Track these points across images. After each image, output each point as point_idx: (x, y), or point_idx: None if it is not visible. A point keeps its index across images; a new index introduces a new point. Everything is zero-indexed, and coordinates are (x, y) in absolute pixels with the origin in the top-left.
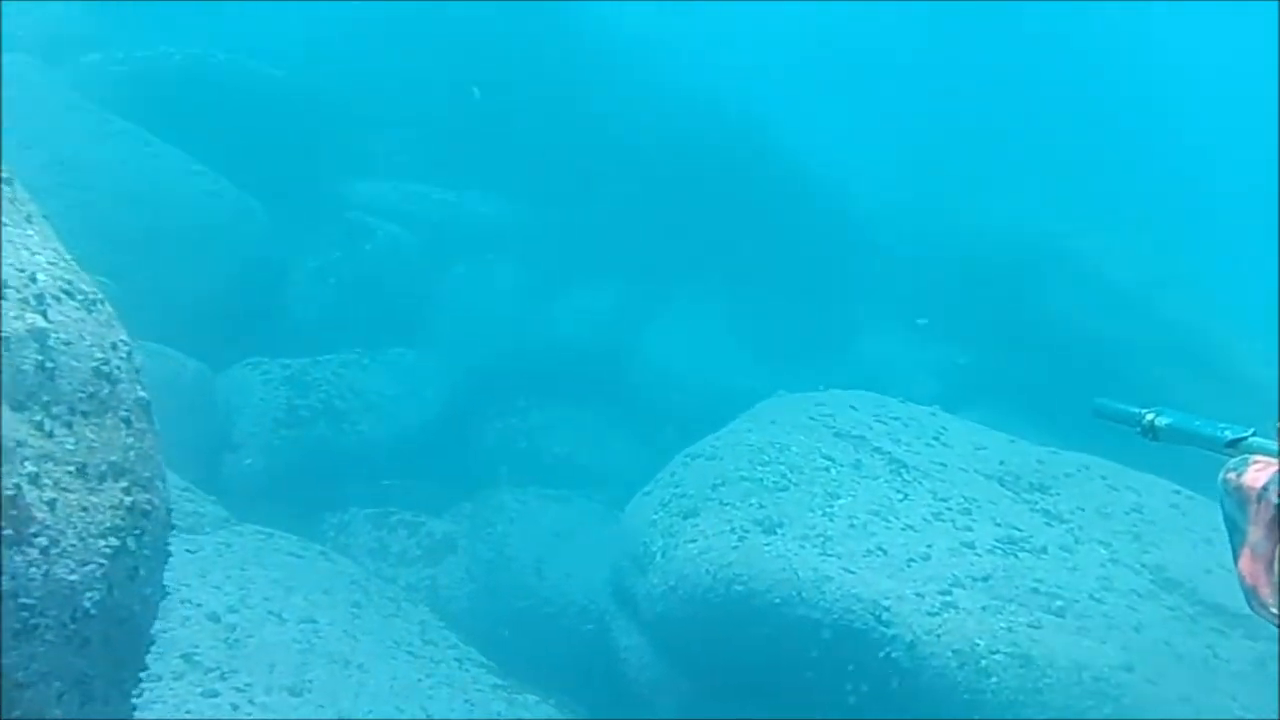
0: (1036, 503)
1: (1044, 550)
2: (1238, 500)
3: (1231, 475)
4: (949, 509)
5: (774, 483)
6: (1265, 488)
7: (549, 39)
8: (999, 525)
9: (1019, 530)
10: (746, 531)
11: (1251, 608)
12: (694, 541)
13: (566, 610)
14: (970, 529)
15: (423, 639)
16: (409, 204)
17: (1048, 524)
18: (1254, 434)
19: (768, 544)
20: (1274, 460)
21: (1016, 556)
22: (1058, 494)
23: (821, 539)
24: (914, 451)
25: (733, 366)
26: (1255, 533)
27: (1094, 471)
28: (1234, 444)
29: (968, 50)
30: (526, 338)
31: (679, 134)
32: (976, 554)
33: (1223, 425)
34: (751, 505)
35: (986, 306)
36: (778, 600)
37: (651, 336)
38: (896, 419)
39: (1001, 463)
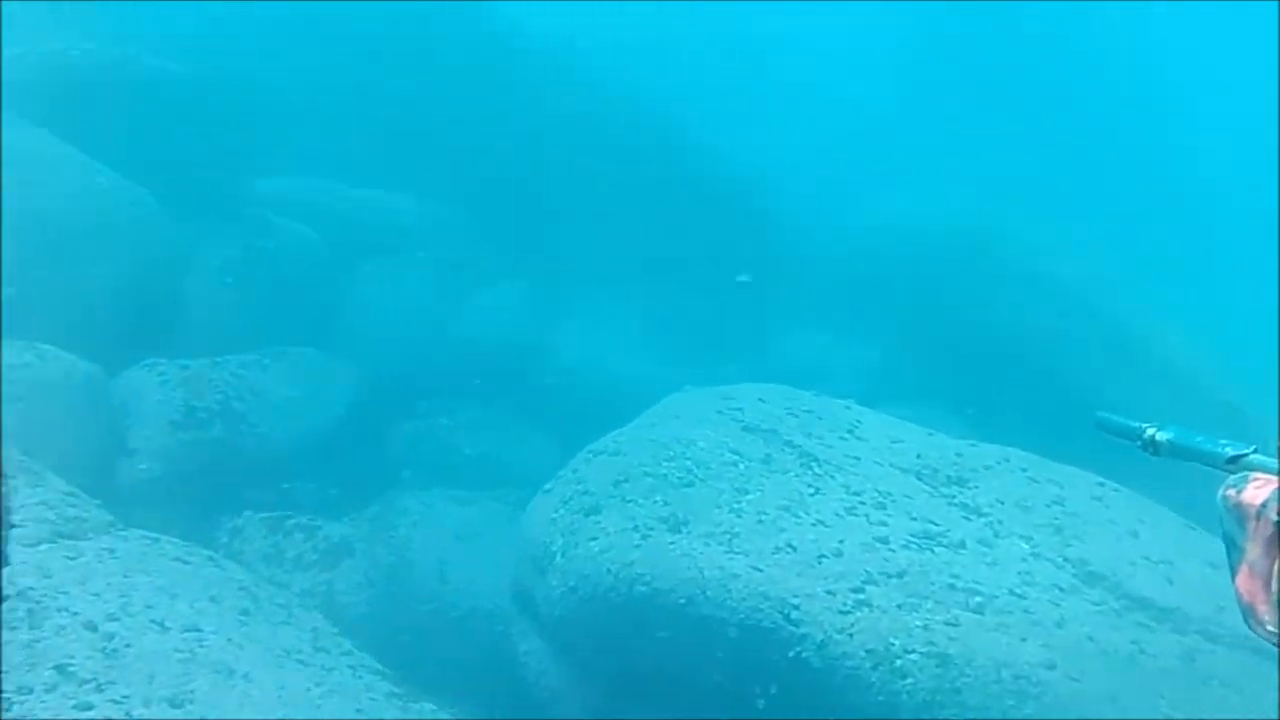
0: (954, 496)
1: (962, 545)
2: (1236, 517)
3: (1231, 492)
4: (862, 503)
5: (679, 479)
6: (1264, 505)
7: (459, 35)
8: (915, 520)
9: (935, 525)
10: (650, 529)
11: (1248, 625)
12: (595, 540)
13: (471, 615)
14: (885, 524)
15: (314, 646)
16: (316, 200)
17: (966, 518)
18: (1255, 451)
19: (672, 542)
20: (1273, 478)
21: (933, 551)
22: (976, 487)
23: (728, 536)
24: (827, 445)
25: (648, 363)
26: (1253, 550)
27: (1014, 464)
28: (1234, 460)
29: (896, 39)
30: (436, 337)
31: (593, 130)
32: (891, 549)
33: (1223, 442)
34: (656, 502)
35: (908, 301)
36: (682, 600)
37: (565, 334)
38: (809, 412)
39: (918, 456)
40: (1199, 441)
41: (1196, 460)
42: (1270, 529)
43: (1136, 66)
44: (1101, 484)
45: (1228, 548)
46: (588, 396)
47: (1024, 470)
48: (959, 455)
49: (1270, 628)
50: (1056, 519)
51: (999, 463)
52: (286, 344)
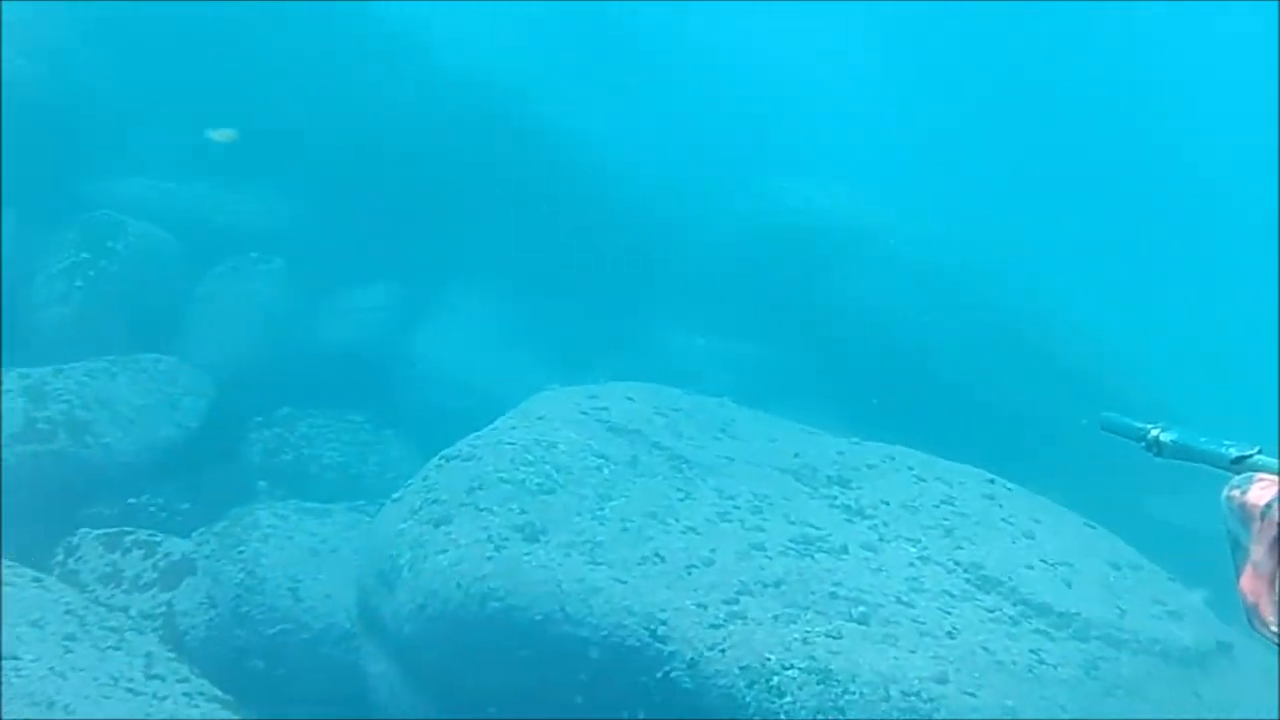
0: (836, 498)
1: (844, 550)
2: (1241, 518)
3: (1235, 493)
4: (736, 508)
5: (538, 485)
6: (1269, 506)
7: (314, 28)
8: (793, 524)
9: (815, 529)
10: (505, 540)
11: (1252, 626)
12: (445, 553)
13: (325, 635)
14: (761, 529)
15: (147, 673)
16: (167, 202)
17: (848, 521)
18: (1259, 452)
19: (529, 553)
20: (1277, 478)
21: (813, 558)
22: (860, 488)
23: (590, 546)
24: (698, 446)
25: (515, 364)
26: (1258, 551)
27: (900, 462)
28: (1238, 461)
29: (787, 26)
30: (294, 341)
31: (454, 124)
32: (767, 556)
33: (1227, 442)
34: (512, 510)
35: (787, 296)
36: (539, 617)
37: (427, 336)
38: (679, 411)
39: (796, 455)
40: (1203, 442)
41: (1200, 461)
42: (1274, 530)
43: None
44: (993, 482)
45: (1232, 549)
46: (451, 400)
47: (910, 469)
48: (840, 454)
49: (1274, 628)
50: (946, 520)
51: (883, 461)
52: (136, 350)
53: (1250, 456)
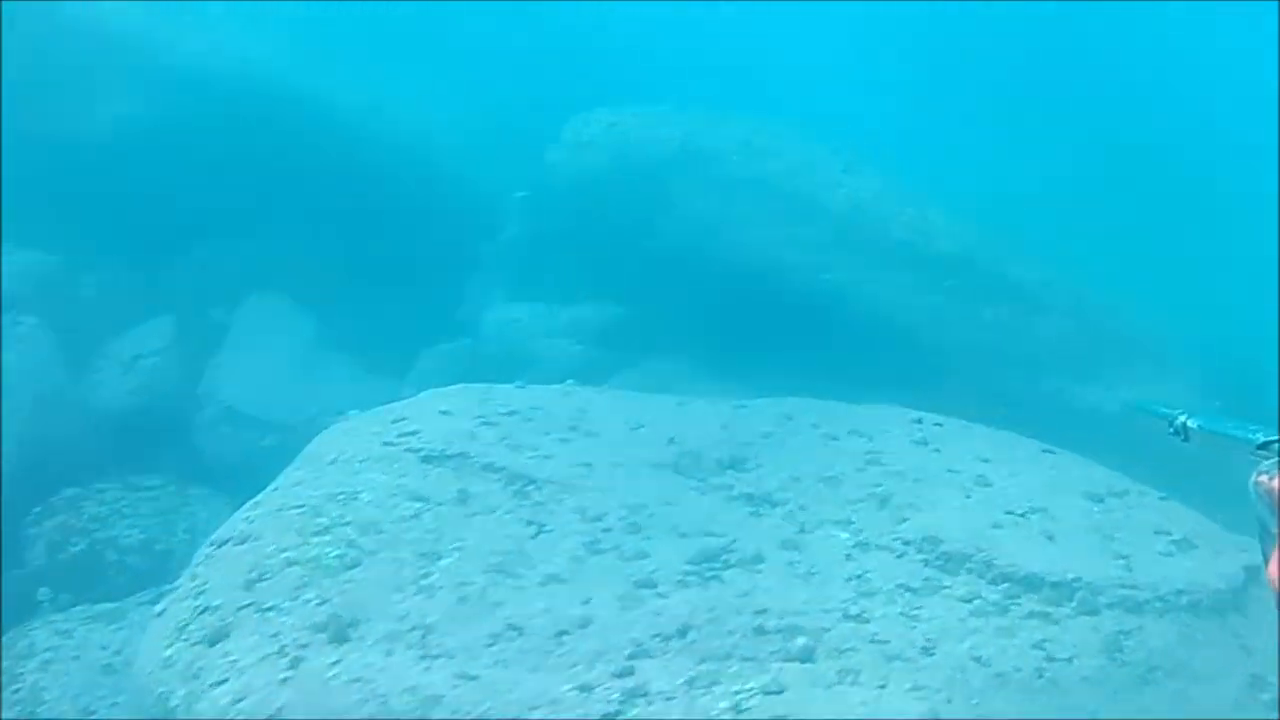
0: (732, 487)
1: (759, 559)
2: (1269, 504)
3: (1264, 479)
4: (607, 530)
5: (338, 558)
6: None
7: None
8: (684, 537)
9: (716, 537)
10: (303, 647)
11: None
12: (224, 682)
13: None
14: (645, 555)
15: None
16: None
17: (755, 515)
18: None
19: (336, 661)
20: None
21: (721, 580)
22: (759, 466)
23: (420, 633)
24: (544, 456)
25: (326, 383)
26: None
27: (800, 421)
28: (1265, 446)
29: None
30: (66, 409)
31: (211, 135)
32: (660, 595)
33: (1253, 428)
34: (308, 603)
35: (619, 241)
36: None
37: (220, 371)
38: (512, 414)
39: (672, 441)
40: (1229, 427)
41: (1227, 445)
42: None
43: None
44: (919, 421)
45: (1261, 534)
46: (260, 437)
47: (815, 426)
48: (725, 426)
49: None
50: (878, 484)
51: (780, 424)
52: None
53: (1275, 442)
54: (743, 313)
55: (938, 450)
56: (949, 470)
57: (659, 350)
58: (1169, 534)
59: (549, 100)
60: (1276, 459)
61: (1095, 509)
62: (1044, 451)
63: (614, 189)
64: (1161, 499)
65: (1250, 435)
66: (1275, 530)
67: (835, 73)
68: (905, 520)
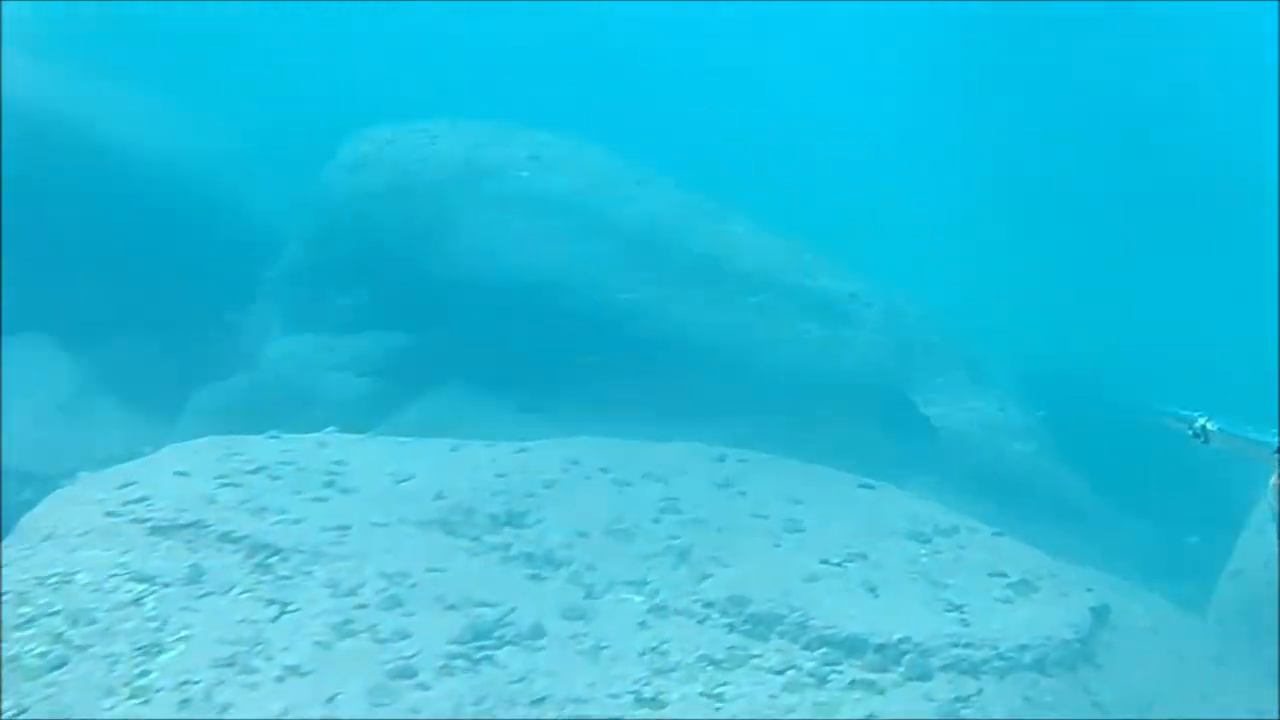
0: (510, 546)
1: (538, 633)
2: None
3: None
4: (362, 608)
5: (41, 657)
6: None
7: None
8: (452, 609)
9: (489, 607)
10: None
11: None
12: None
13: None
14: (404, 635)
15: None
16: None
17: (535, 578)
18: None
19: None
20: None
21: (493, 663)
22: (541, 520)
23: None
24: (293, 520)
25: (100, 430)
26: None
27: (589, 464)
28: None
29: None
30: None
31: None
32: (421, 687)
33: (1273, 431)
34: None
35: (398, 264)
36: None
37: None
38: (260, 471)
39: (441, 495)
40: (1248, 431)
41: (1245, 449)
42: None
43: None
44: (721, 459)
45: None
46: (14, 495)
47: (605, 470)
48: (503, 475)
49: None
50: (674, 537)
51: (566, 469)
52: None
53: None
54: (533, 337)
55: (743, 493)
56: (756, 515)
57: (446, 379)
58: (1005, 575)
59: (326, 118)
60: None
61: (921, 551)
62: (861, 486)
63: (393, 210)
64: (995, 535)
65: (1270, 439)
66: None
67: (633, 83)
68: (707, 577)
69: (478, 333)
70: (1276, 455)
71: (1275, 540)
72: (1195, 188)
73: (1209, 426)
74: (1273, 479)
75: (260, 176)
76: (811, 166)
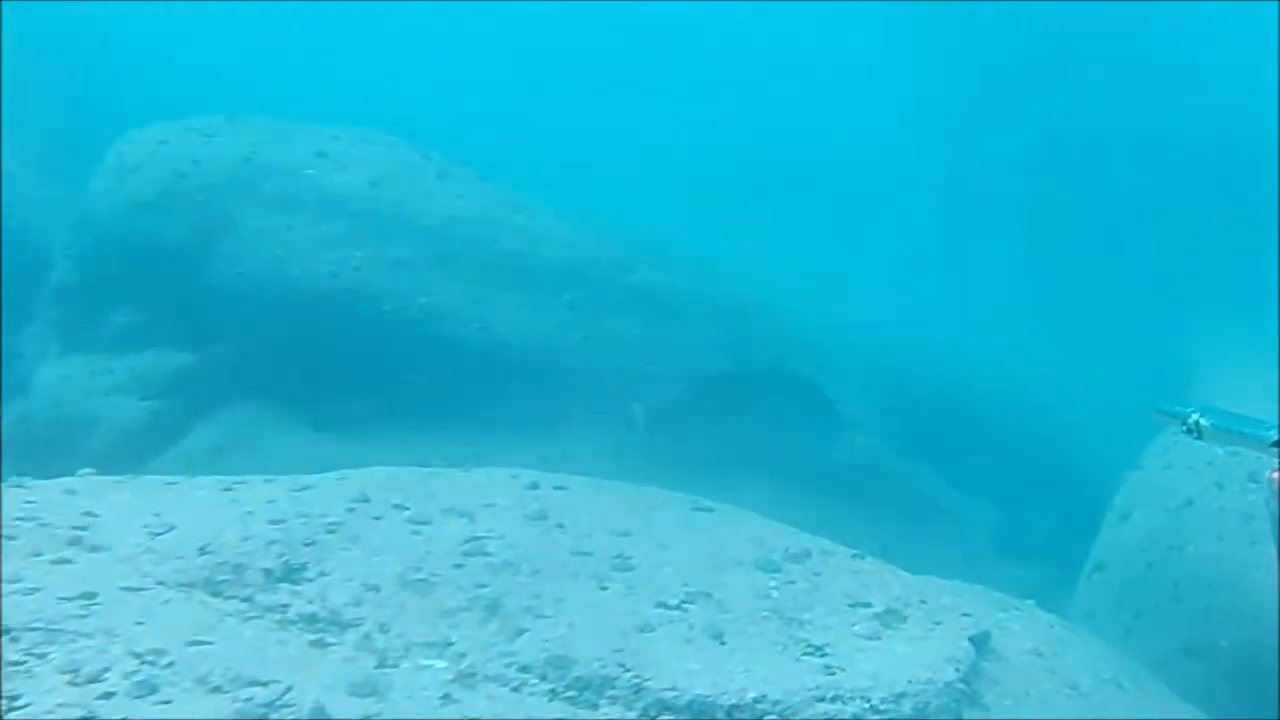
0: (287, 607)
1: (320, 715)
2: None
3: (1277, 475)
4: (106, 698)
5: None
6: None
7: None
8: (217, 692)
9: (261, 687)
10: None
11: None
12: None
13: None
14: None
15: None
16: None
17: (317, 645)
18: None
19: None
20: None
21: None
22: (324, 573)
23: None
24: (26, 590)
25: None
26: None
27: (381, 500)
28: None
29: None
30: None
31: None
32: None
33: (1267, 425)
34: None
35: (185, 280)
36: None
37: None
38: None
39: (206, 549)
40: (1243, 426)
41: (1241, 444)
42: None
43: None
44: (535, 486)
45: (1274, 529)
46: None
47: (400, 507)
48: (280, 520)
49: None
50: (482, 585)
51: (354, 508)
52: None
53: None
54: (325, 348)
55: (560, 526)
56: (577, 553)
57: (234, 398)
58: (869, 605)
59: (93, 121)
60: None
61: (771, 583)
62: (697, 510)
63: (168, 216)
64: (854, 557)
65: (1264, 433)
66: None
67: (426, 71)
68: (523, 633)
69: (266, 347)
70: (1272, 449)
71: (1273, 535)
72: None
73: (1202, 422)
74: (1269, 473)
75: (30, 188)
76: (623, 154)
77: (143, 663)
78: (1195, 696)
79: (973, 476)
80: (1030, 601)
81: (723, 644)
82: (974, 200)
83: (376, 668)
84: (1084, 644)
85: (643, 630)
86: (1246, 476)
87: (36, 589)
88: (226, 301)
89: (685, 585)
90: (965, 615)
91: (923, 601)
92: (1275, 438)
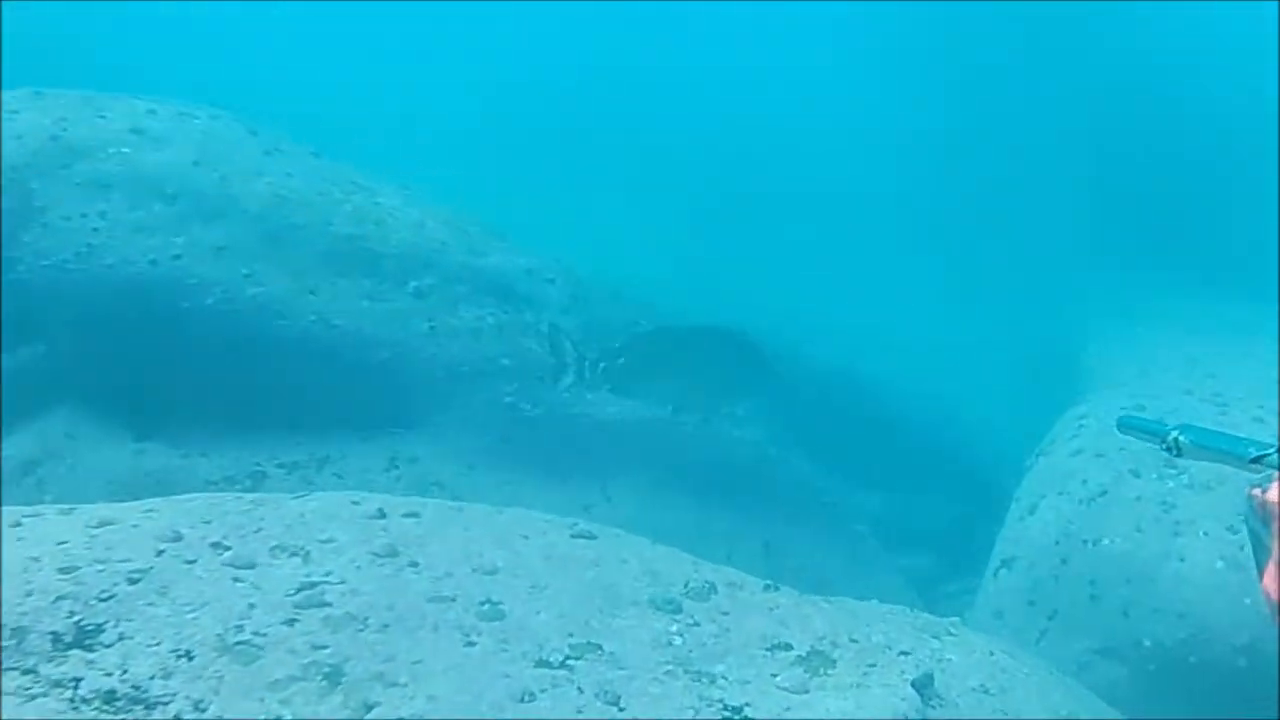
0: (78, 682)
1: None
2: (1262, 517)
3: (1256, 492)
4: None
5: None
6: None
7: None
8: None
9: None
10: None
11: (1278, 625)
12: None
13: None
14: None
15: None
16: None
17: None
18: (1278, 450)
19: None
20: None
21: None
22: (125, 636)
23: None
24: None
25: None
26: None
27: (196, 539)
28: (1258, 460)
29: None
30: None
31: None
32: None
33: (1246, 441)
34: None
35: None
36: None
37: None
38: None
39: None
40: (1221, 442)
41: (1219, 460)
42: None
43: None
44: (381, 515)
45: (1255, 548)
46: None
47: (219, 546)
48: (70, 569)
49: None
50: (320, 646)
51: (162, 549)
52: None
53: (1269, 455)
54: (147, 347)
55: (414, 564)
56: (436, 598)
57: (48, 406)
58: (789, 648)
59: None
60: (1270, 472)
61: (673, 628)
62: (576, 537)
63: None
64: (766, 589)
65: (1243, 450)
66: (1270, 544)
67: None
68: (373, 708)
69: (82, 347)
70: (1252, 465)
71: (1254, 552)
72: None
73: (1180, 439)
74: (1248, 490)
75: None
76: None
77: None
78: (1116, 700)
79: (855, 463)
80: (954, 619)
81: (621, 711)
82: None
83: None
84: (1029, 672)
85: (522, 699)
86: (1163, 462)
87: None
88: (35, 298)
89: (569, 636)
90: (903, 654)
91: (852, 640)
92: (1254, 454)
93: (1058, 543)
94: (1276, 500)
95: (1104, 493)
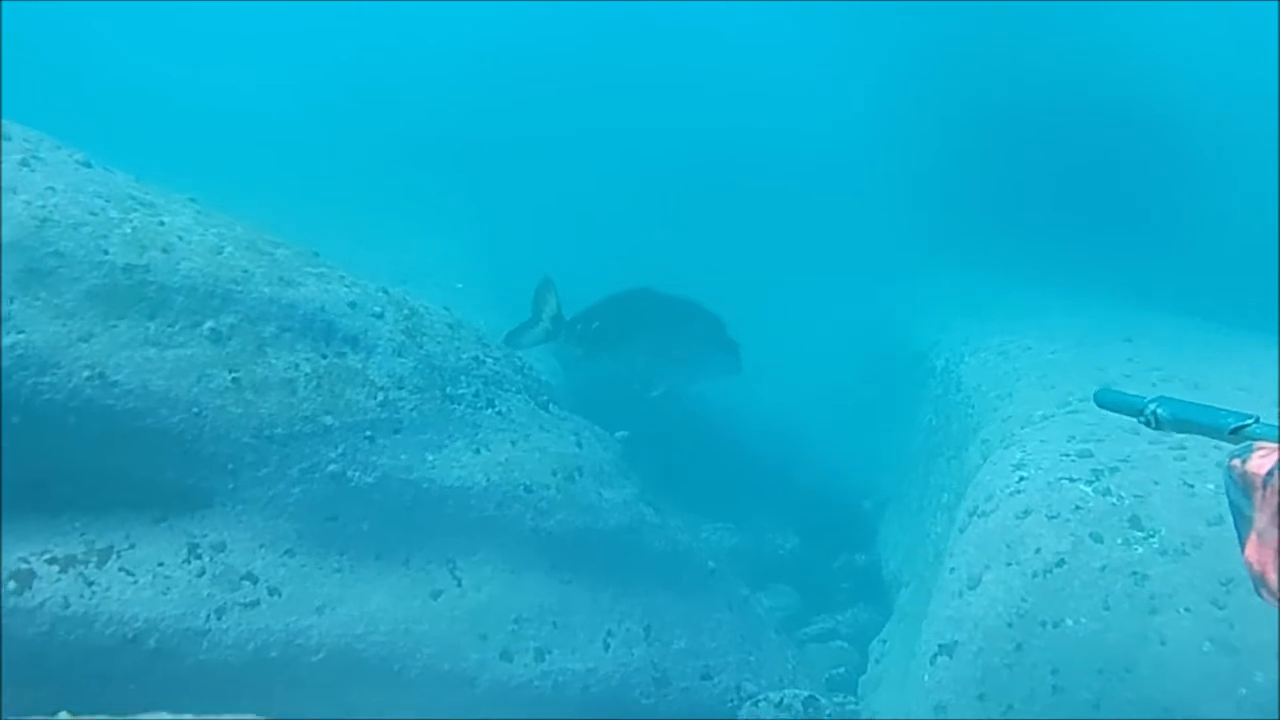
0: None
1: None
2: (1243, 487)
3: (1236, 462)
4: None
5: None
6: (1270, 474)
7: None
8: None
9: None
10: None
11: (1259, 595)
12: None
13: None
14: None
15: None
16: None
17: None
18: (1256, 421)
19: None
20: (1277, 446)
21: None
22: None
23: None
24: None
25: None
26: (1261, 519)
27: None
28: (1236, 431)
29: None
30: None
31: None
32: None
33: (1225, 413)
34: None
35: None
36: None
37: None
38: None
39: None
40: (1200, 414)
41: (1198, 433)
42: (1277, 498)
43: None
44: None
45: (1235, 518)
46: None
47: None
48: None
49: None
50: None
51: None
52: None
53: (1247, 426)
54: None
55: None
56: None
57: None
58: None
59: None
60: (1247, 443)
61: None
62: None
63: None
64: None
65: (1222, 421)
66: (1250, 514)
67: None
68: None
69: None
70: (1230, 437)
71: (1234, 523)
72: None
73: (1159, 413)
74: (1226, 461)
75: None
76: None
77: None
78: None
79: (705, 499)
80: None
81: None
82: None
83: None
84: None
85: None
86: (1127, 523)
87: None
88: None
89: None
90: None
91: None
92: (1232, 425)
93: (1010, 625)
94: (1256, 470)
95: (1061, 562)
